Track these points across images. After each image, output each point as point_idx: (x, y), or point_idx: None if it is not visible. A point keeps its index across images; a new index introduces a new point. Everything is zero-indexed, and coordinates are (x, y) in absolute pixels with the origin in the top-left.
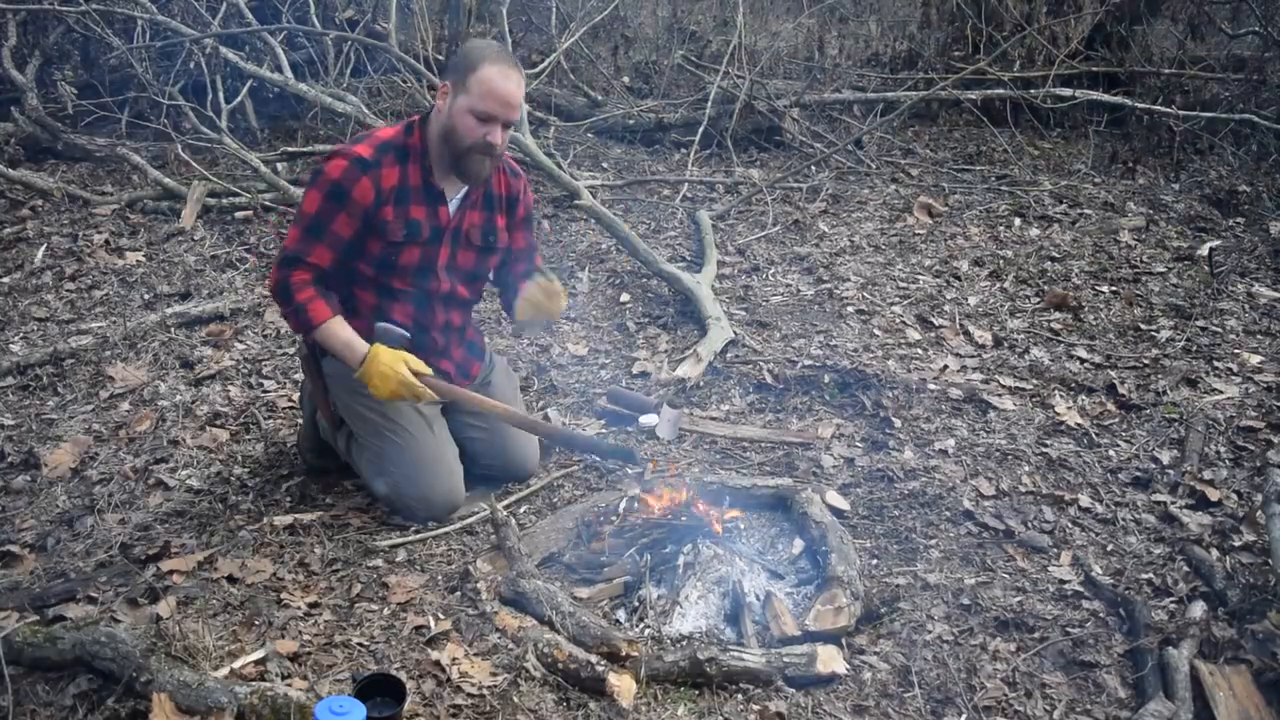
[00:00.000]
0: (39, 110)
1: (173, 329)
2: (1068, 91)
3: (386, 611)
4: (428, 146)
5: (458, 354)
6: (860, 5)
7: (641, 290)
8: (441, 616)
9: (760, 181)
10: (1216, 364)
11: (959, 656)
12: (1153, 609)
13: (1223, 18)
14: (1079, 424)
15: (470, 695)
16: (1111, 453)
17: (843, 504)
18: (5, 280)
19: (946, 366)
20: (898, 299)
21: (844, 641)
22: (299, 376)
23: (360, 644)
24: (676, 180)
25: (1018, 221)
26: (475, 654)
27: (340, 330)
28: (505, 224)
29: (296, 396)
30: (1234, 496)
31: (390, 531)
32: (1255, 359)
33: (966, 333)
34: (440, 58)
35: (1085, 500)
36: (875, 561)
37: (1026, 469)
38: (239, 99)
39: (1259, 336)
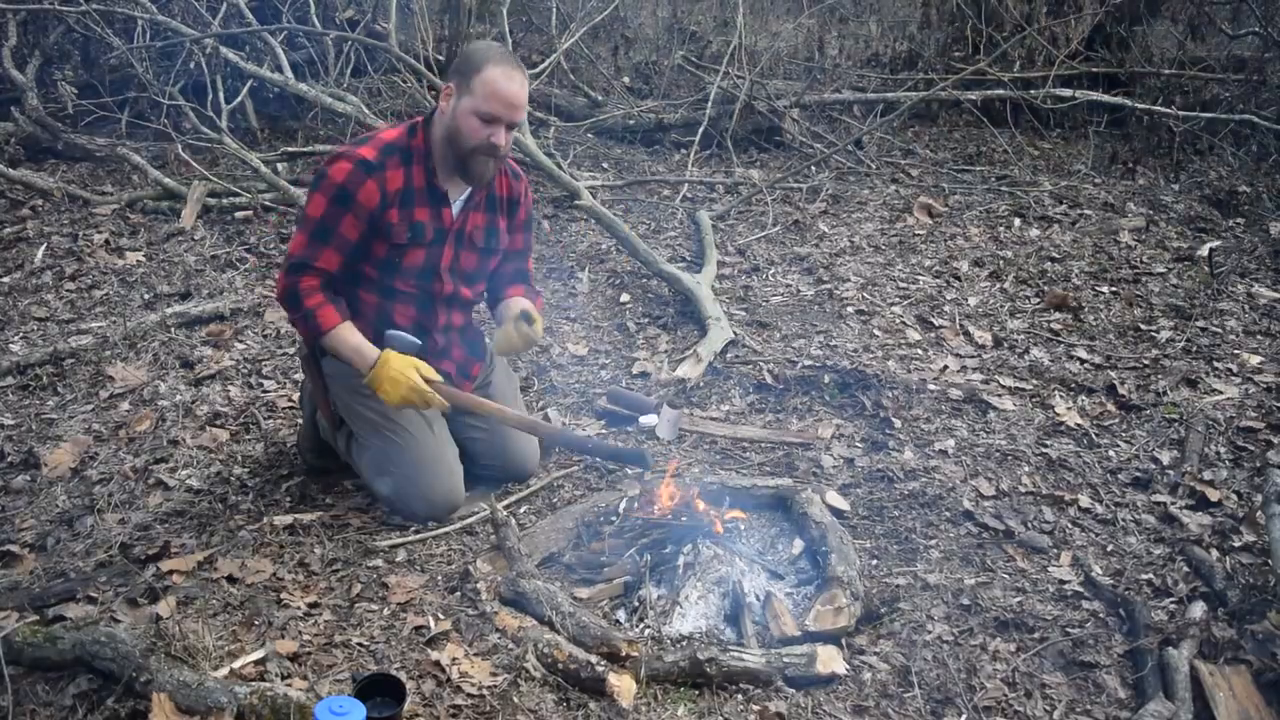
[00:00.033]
0: (39, 110)
1: (173, 329)
2: (1068, 92)
3: (386, 611)
4: (431, 148)
5: (458, 355)
6: (860, 5)
7: (641, 290)
8: (441, 616)
9: (760, 182)
10: (1216, 364)
11: (959, 657)
12: (1153, 609)
13: (1223, 18)
14: (1079, 424)
15: (470, 695)
16: (1111, 453)
17: (843, 504)
18: (5, 280)
19: (946, 367)
20: (898, 299)
21: (844, 642)
22: (299, 376)
23: (360, 644)
24: (676, 180)
25: (1018, 222)
26: (475, 654)
27: (350, 336)
28: (506, 226)
29: (296, 396)
30: (1234, 497)
31: (390, 531)
32: (1255, 359)
33: (966, 333)
34: (440, 58)
35: (1085, 500)
36: (875, 562)
37: (1026, 469)
38: (239, 99)
39: (1259, 337)
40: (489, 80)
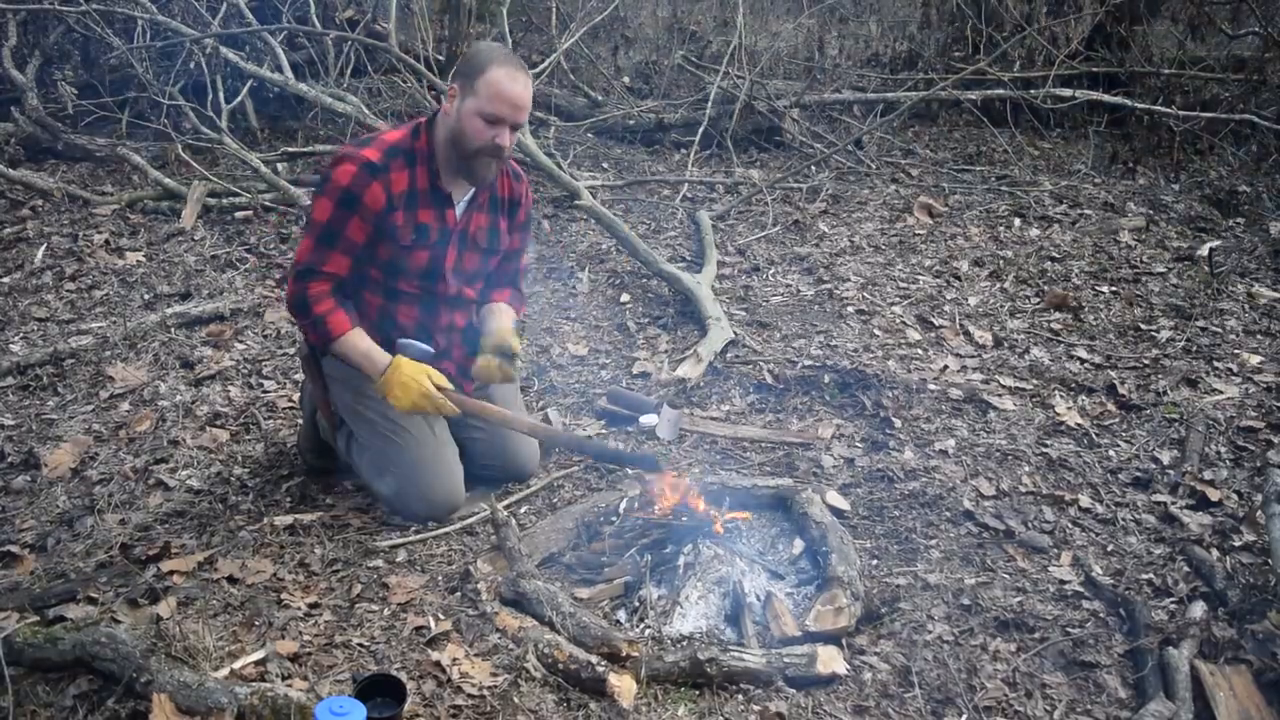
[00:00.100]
0: (39, 110)
1: (173, 329)
2: (1068, 92)
3: (387, 612)
4: (435, 149)
5: (459, 355)
6: (860, 5)
7: (642, 290)
8: (442, 617)
9: (760, 182)
10: (1216, 364)
11: (959, 657)
12: (1153, 609)
13: (1223, 18)
14: (1079, 424)
15: (470, 696)
16: (1112, 453)
17: (843, 504)
18: (5, 280)
19: (946, 367)
20: (898, 299)
21: (844, 642)
22: (299, 377)
23: (360, 644)
24: (676, 180)
25: (1018, 222)
26: (475, 654)
27: (360, 341)
28: (507, 226)
29: (296, 397)
30: (1234, 496)
31: (390, 532)
32: (1255, 359)
33: (966, 333)
34: (440, 58)
35: (1085, 500)
36: (875, 562)
37: (1027, 469)
38: (239, 99)
39: (1259, 337)
40: (493, 81)
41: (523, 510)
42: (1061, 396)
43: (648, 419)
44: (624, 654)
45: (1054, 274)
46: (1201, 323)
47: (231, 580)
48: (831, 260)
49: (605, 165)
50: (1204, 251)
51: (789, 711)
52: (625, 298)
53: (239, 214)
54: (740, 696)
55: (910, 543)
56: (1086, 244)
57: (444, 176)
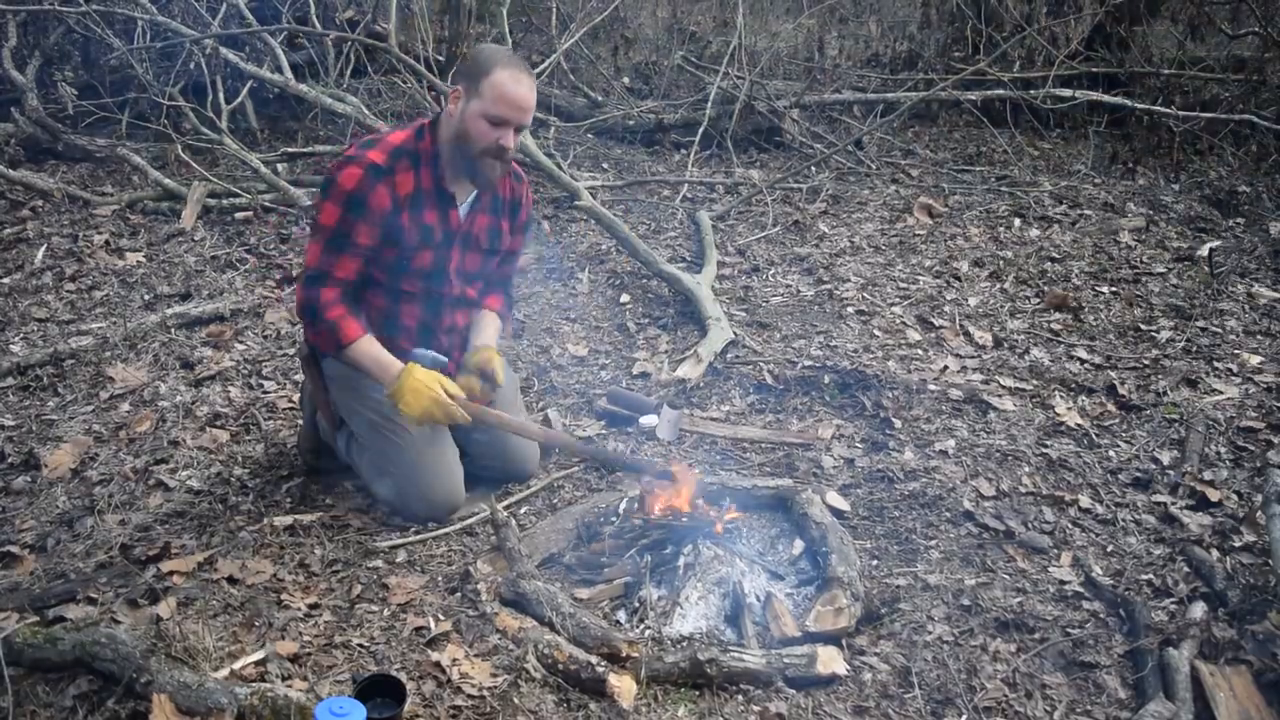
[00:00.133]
0: (39, 111)
1: (173, 330)
2: (1067, 92)
3: (387, 612)
4: (439, 151)
5: (458, 356)
6: (860, 6)
7: (642, 291)
8: (442, 617)
9: (760, 182)
10: (1216, 364)
11: (959, 657)
12: (1153, 609)
13: (1222, 18)
14: (1079, 424)
15: (470, 696)
16: (1112, 453)
17: (843, 505)
18: (5, 281)
19: (946, 367)
20: (898, 300)
21: (844, 642)
22: (299, 377)
23: (360, 645)
24: (676, 181)
25: (1018, 222)
26: (475, 655)
27: (371, 348)
28: (509, 227)
29: (297, 397)
30: (1234, 497)
31: (390, 532)
32: (1255, 359)
33: (966, 333)
34: (440, 58)
35: (1085, 501)
36: (875, 562)
37: (1027, 470)
38: (239, 100)
39: (1259, 337)
40: (498, 83)
41: (523, 511)
42: (1061, 397)
43: (648, 420)
44: (624, 654)
45: (1054, 274)
46: (1201, 323)
47: (231, 581)
48: (831, 261)
49: (605, 166)
50: (1204, 252)
51: (789, 712)
52: (625, 298)
53: (239, 214)
54: (740, 697)
55: (910, 543)
56: (1086, 244)
57: (448, 178)
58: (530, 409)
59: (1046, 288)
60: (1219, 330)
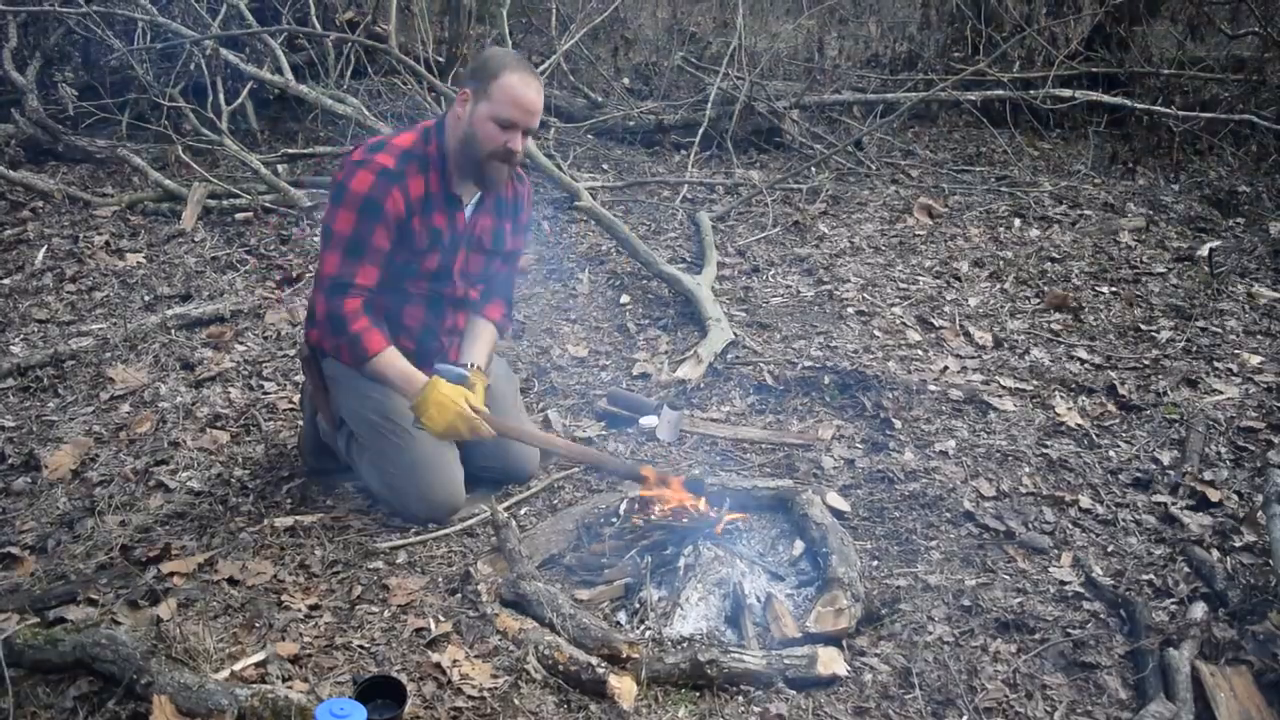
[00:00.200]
0: (39, 112)
1: (173, 331)
2: (1067, 92)
3: (387, 614)
4: (445, 153)
5: (455, 357)
6: (860, 6)
7: (642, 292)
8: (442, 618)
9: (760, 183)
10: (1217, 364)
11: (960, 658)
12: (1153, 610)
13: (1222, 18)
14: (1079, 425)
15: (471, 697)
16: (1112, 453)
17: (843, 505)
18: (6, 282)
19: (947, 368)
20: (898, 300)
21: (845, 643)
22: (299, 378)
23: (361, 646)
24: (676, 182)
25: (1018, 222)
26: (476, 656)
27: (396, 360)
28: (511, 228)
29: (297, 398)
30: (1234, 497)
31: (391, 533)
32: (1255, 359)
33: (967, 334)
34: (440, 59)
35: (1086, 501)
36: (876, 563)
37: (1027, 470)
38: (239, 101)
39: (1259, 337)
40: (507, 86)
41: (523, 512)
42: (1062, 397)
43: (648, 420)
44: (624, 655)
45: (1054, 274)
46: (1201, 323)
47: (232, 582)
48: (831, 261)
49: (605, 166)
50: (1204, 252)
51: (789, 713)
52: (625, 299)
53: (239, 215)
54: (741, 698)
55: (910, 544)
56: (1086, 244)
57: (455, 180)
58: (530, 410)
59: (1046, 288)
60: (1219, 330)
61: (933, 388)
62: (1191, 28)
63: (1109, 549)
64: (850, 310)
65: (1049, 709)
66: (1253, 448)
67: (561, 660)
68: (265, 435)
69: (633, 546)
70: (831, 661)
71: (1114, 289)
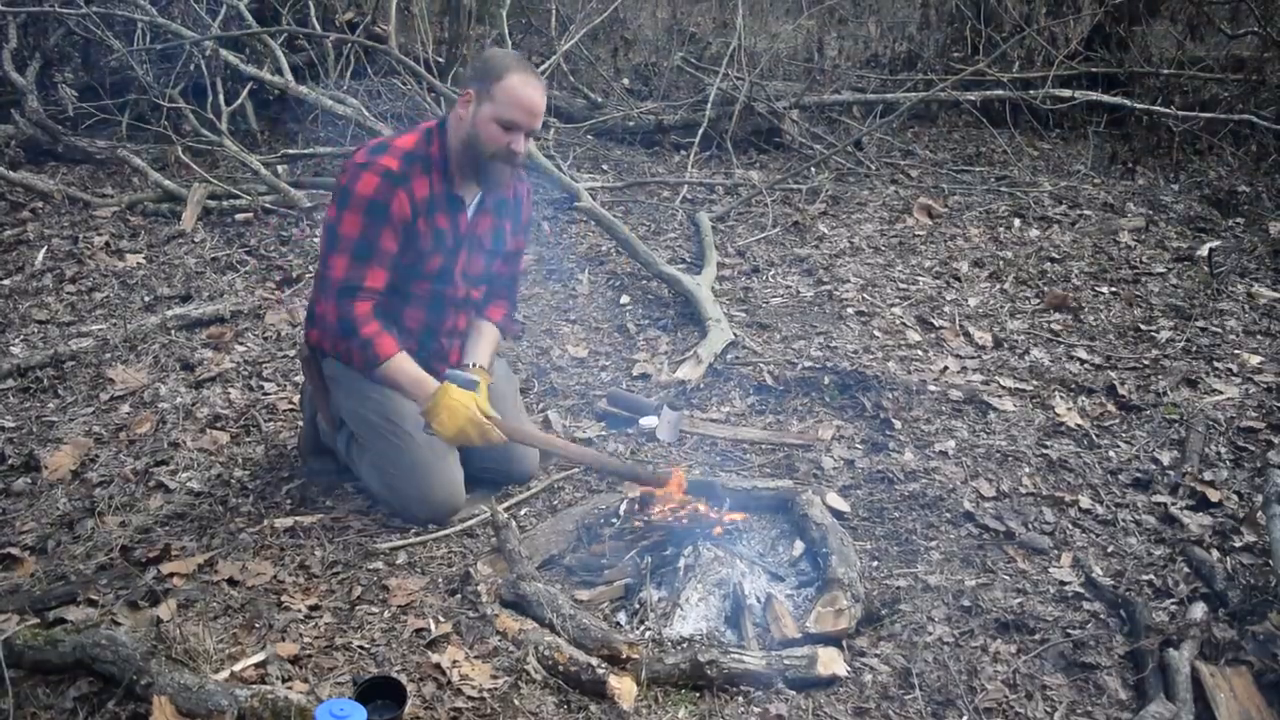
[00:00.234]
0: (39, 112)
1: (173, 331)
2: (1067, 92)
3: (387, 614)
4: (448, 154)
5: (456, 359)
6: (859, 6)
7: (642, 292)
8: (442, 619)
9: (760, 183)
10: (1216, 364)
11: (960, 658)
12: (1153, 610)
13: (1222, 18)
14: (1079, 425)
15: (471, 698)
16: (1112, 454)
17: (843, 506)
18: (6, 282)
19: (946, 368)
20: (898, 300)
21: (844, 643)
22: (299, 379)
23: (361, 647)
24: (676, 182)
25: (1017, 222)
26: (476, 657)
27: (408, 365)
28: (511, 228)
29: (297, 399)
30: (1234, 497)
31: (390, 534)
32: (1255, 359)
33: (966, 334)
34: (440, 60)
35: (1086, 501)
36: (876, 563)
37: (1027, 470)
38: (239, 101)
39: (1259, 337)
40: (511, 88)
41: (523, 512)
42: (1061, 397)
43: (648, 421)
44: (624, 656)
45: (1054, 275)
46: (1201, 323)
47: (232, 582)
48: (831, 261)
49: (605, 167)
50: (1204, 252)
51: (789, 713)
52: (625, 299)
53: (239, 216)
54: (741, 699)
55: (910, 544)
56: (1086, 244)
57: (457, 181)
58: (530, 410)
59: (1046, 288)
60: (1219, 330)
61: (932, 388)
62: (1191, 28)
63: (1109, 549)
64: (850, 310)
65: (1049, 709)
66: (1253, 448)
67: (561, 661)
68: (265, 436)
69: (633, 547)
70: (831, 662)
71: (1114, 289)
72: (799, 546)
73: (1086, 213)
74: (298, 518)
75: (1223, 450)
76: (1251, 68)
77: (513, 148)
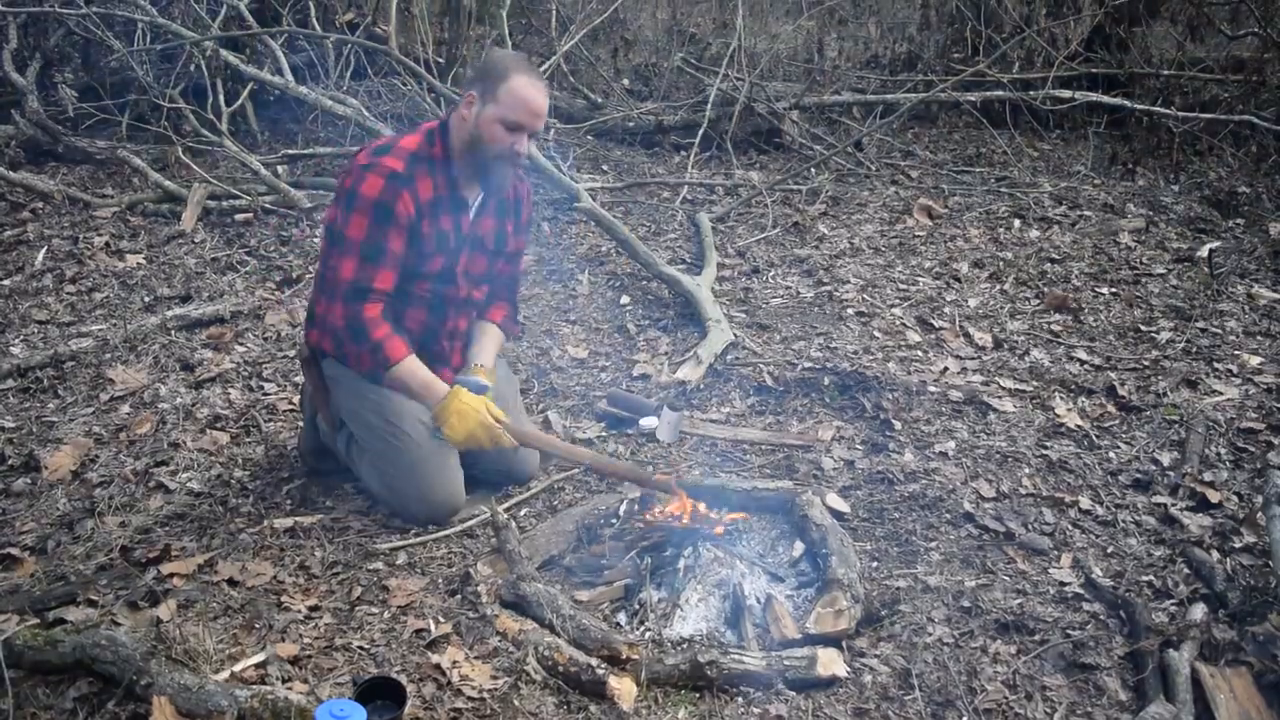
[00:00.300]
0: (40, 113)
1: (173, 331)
2: (1067, 93)
3: (387, 615)
4: (451, 155)
5: (457, 360)
6: (860, 7)
7: (642, 293)
8: (442, 620)
9: (760, 184)
10: (1216, 365)
11: (959, 659)
12: (1153, 611)
13: (1222, 19)
14: (1079, 426)
15: (471, 699)
16: (1112, 454)
17: (843, 506)
18: (6, 283)
19: (946, 368)
20: (898, 301)
21: (844, 644)
22: (299, 379)
23: (361, 647)
24: (676, 183)
25: (1017, 223)
26: (476, 657)
27: (418, 369)
28: (513, 228)
29: (297, 399)
30: (1234, 498)
31: (390, 534)
32: (1255, 360)
33: (966, 335)
34: (440, 60)
35: (1085, 502)
36: (876, 564)
37: (1027, 471)
38: (239, 102)
39: (1259, 338)
40: (515, 89)
41: (523, 513)
42: (1061, 398)
43: (648, 422)
44: (624, 657)
45: (1054, 275)
46: (1201, 324)
47: (232, 583)
48: (831, 262)
49: (605, 167)
50: (1204, 253)
51: (789, 714)
52: (625, 300)
53: (239, 216)
54: (740, 699)
55: (910, 545)
56: (1086, 245)
57: (460, 182)
58: (530, 411)
59: (1046, 289)
60: (1219, 331)
61: (932, 389)
62: (1191, 28)
63: (1109, 550)
64: (850, 311)
65: (1049, 710)
66: (1252, 449)
67: (561, 661)
68: (265, 436)
69: (632, 548)
70: (831, 663)
71: (1114, 290)
72: (799, 547)
73: (1087, 213)
74: (298, 518)
75: (1223, 451)
76: (1252, 68)
77: (516, 148)
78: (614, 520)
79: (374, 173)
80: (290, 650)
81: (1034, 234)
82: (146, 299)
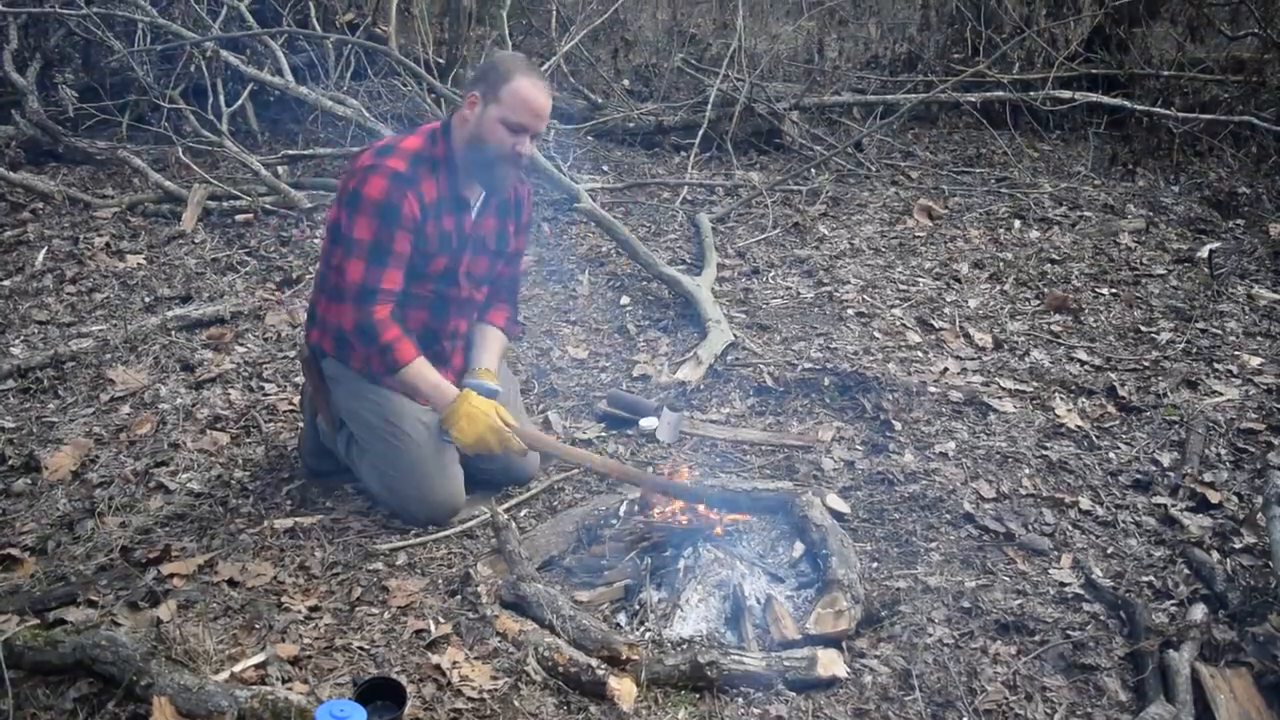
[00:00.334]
0: (40, 113)
1: (173, 332)
2: (1067, 94)
3: (387, 615)
4: (453, 156)
5: (458, 362)
6: (860, 8)
7: (642, 293)
8: (442, 620)
9: (760, 184)
10: (1217, 366)
11: (959, 660)
12: (1153, 611)
13: (1222, 20)
14: (1079, 426)
15: (471, 699)
16: (1112, 455)
17: (843, 507)
18: (6, 283)
19: (947, 369)
20: (898, 301)
21: (844, 645)
22: (299, 380)
23: (361, 648)
24: (676, 183)
25: (1017, 224)
26: (476, 658)
27: (428, 371)
28: (514, 229)
29: (297, 400)
30: (1234, 499)
31: (390, 535)
32: (1255, 361)
33: (967, 335)
34: (440, 61)
35: (1086, 503)
36: (876, 565)
37: (1027, 472)
38: (240, 102)
39: (1259, 338)
40: (518, 90)
41: (523, 513)
42: (1062, 399)
43: (648, 422)
44: (624, 657)
45: (1054, 276)
46: (1201, 324)
47: (232, 583)
48: (831, 263)
49: (605, 168)
50: (1204, 253)
51: (789, 715)
52: (625, 300)
53: (239, 217)
54: (740, 700)
55: (910, 545)
56: (1086, 246)
57: (462, 182)
58: (530, 412)
59: (1046, 289)
60: (1219, 332)
61: (933, 389)
62: (1191, 29)
63: (1109, 551)
64: (850, 312)
65: (1049, 711)
66: (1253, 449)
67: (561, 662)
68: (265, 437)
69: (633, 548)
70: (831, 663)
71: (1114, 290)
72: (799, 548)
73: (1087, 214)
74: (298, 519)
75: (1223, 452)
76: (1251, 69)
77: (518, 149)
78: (614, 521)
79: (377, 174)
80: (290, 651)
81: (1034, 235)
82: (147, 299)
